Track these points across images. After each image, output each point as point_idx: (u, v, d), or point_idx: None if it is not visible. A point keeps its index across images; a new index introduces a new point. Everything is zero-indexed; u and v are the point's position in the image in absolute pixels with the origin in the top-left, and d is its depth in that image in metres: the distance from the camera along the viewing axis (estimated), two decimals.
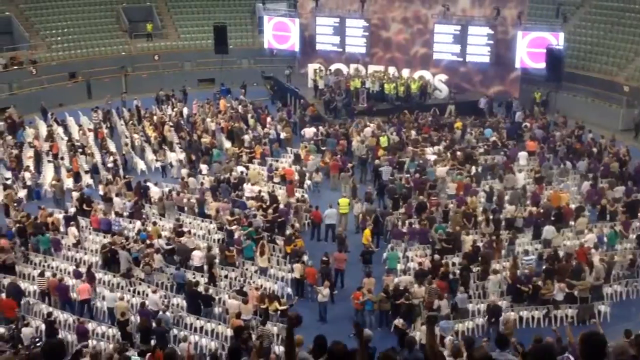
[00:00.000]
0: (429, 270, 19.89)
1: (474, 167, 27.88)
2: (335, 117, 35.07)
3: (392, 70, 37.93)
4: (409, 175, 26.94)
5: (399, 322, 17.56)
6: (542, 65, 34.97)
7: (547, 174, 27.32)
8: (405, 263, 21.49)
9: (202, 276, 20.51)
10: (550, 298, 18.81)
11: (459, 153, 29.10)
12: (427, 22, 37.43)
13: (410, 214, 24.11)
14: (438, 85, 37.32)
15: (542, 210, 23.56)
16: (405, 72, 37.55)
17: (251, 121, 34.07)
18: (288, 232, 22.74)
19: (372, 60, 38.65)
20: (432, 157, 28.87)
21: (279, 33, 40.14)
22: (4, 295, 18.90)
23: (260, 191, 25.85)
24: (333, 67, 38.74)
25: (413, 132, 31.93)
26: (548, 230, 22.12)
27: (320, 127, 32.74)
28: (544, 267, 20.16)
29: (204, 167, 28.94)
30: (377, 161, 28.36)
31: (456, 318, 18.21)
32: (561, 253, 20.83)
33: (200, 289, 19.38)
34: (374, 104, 35.62)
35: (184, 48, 43.17)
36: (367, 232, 22.21)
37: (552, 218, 23.09)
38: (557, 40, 34.83)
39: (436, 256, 20.52)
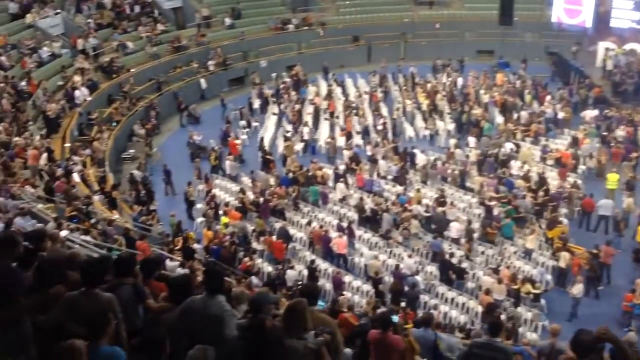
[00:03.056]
0: None
1: None
2: (623, 101, 32.04)
3: None
4: None
5: None
6: None
7: None
8: None
9: (458, 248, 20.25)
10: None
11: None
12: None
13: None
14: None
15: None
16: None
17: (527, 97, 32.52)
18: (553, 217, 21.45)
19: None
20: None
21: (571, 7, 37.54)
22: (274, 237, 20.48)
23: (529, 171, 24.68)
24: (627, 47, 35.28)
25: None
26: None
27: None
28: None
29: (471, 140, 28.38)
30: None
31: None
32: None
33: (455, 260, 19.17)
34: None
35: (466, 17, 42.39)
36: None
37: None
38: None
39: None
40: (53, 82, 28.63)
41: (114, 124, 28.48)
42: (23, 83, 26.32)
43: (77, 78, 28.74)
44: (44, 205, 17.90)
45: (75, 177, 21.03)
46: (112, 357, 4.75)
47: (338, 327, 6.43)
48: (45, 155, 21.58)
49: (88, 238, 15.29)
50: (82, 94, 28.16)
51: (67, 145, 24.58)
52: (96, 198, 20.40)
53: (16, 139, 21.70)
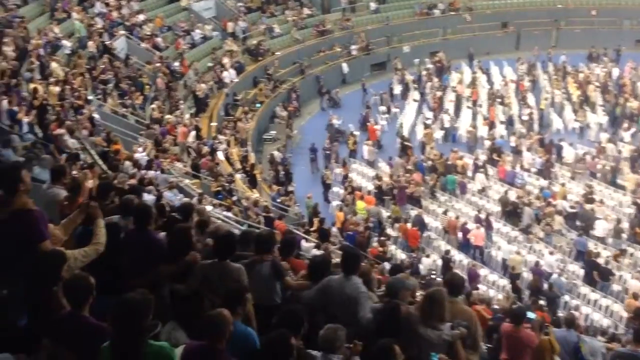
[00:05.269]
0: None
1: None
2: None
3: None
4: None
5: None
6: None
7: None
8: None
9: (605, 248, 19.12)
10: None
11: None
12: None
13: None
14: None
15: None
16: None
17: None
18: None
19: None
20: None
21: None
22: (409, 225, 20.26)
23: None
24: None
25: None
26: None
27: None
28: None
29: (626, 135, 26.63)
30: None
31: None
32: None
33: (601, 261, 18.10)
34: None
35: (625, 4, 39.66)
36: None
37: None
38: None
39: None
40: (203, 63, 29.89)
41: (258, 105, 29.31)
42: (176, 63, 27.68)
43: (225, 60, 29.82)
44: (190, 181, 18.76)
45: (220, 155, 21.87)
46: (245, 337, 4.80)
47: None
48: (193, 133, 22.60)
49: (229, 214, 15.84)
50: (229, 75, 29.19)
51: (214, 124, 25.61)
52: (238, 176, 21.10)
53: (168, 116, 22.88)
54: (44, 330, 4.30)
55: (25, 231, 4.74)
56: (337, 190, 23.31)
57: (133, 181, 13.77)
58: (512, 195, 21.69)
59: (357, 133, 27.35)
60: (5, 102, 15.10)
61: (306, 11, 36.63)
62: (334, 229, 19.53)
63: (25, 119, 15.23)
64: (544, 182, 23.19)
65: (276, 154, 25.30)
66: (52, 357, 4.21)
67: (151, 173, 16.29)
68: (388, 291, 6.03)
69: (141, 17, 29.15)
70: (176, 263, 5.79)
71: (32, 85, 17.38)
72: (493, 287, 17.67)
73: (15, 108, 15.27)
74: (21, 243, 4.69)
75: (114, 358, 3.92)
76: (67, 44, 23.20)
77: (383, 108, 30.83)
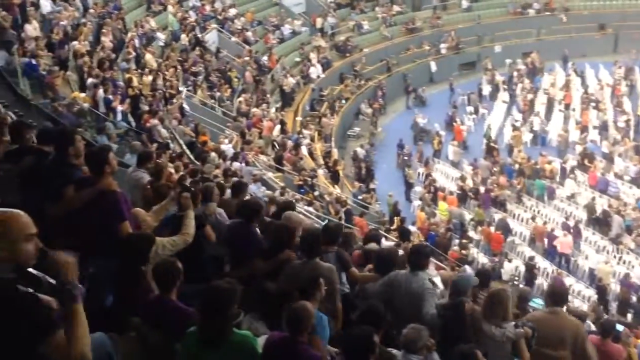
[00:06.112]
0: None
1: None
2: None
3: None
4: None
5: None
6: None
7: None
8: None
9: None
10: None
11: None
12: None
13: None
14: None
15: None
16: None
17: None
18: None
19: None
20: None
21: None
22: (493, 228, 19.84)
23: None
24: None
25: None
26: None
27: None
28: None
29: None
30: None
31: None
32: None
33: None
34: None
35: None
36: None
37: None
38: None
39: None
40: (291, 58, 30.14)
41: (343, 101, 29.32)
42: (265, 58, 28.02)
43: (312, 55, 29.97)
44: (273, 174, 18.96)
45: (303, 150, 22.00)
46: (319, 322, 4.78)
47: None
48: (278, 127, 22.84)
49: (310, 209, 15.93)
50: (316, 71, 29.31)
51: (299, 119, 25.81)
52: (320, 172, 21.17)
53: (254, 109, 23.20)
54: (132, 311, 4.42)
55: (107, 211, 4.94)
56: (419, 189, 23.06)
57: (218, 171, 14.07)
58: (604, 203, 20.90)
59: (442, 133, 26.96)
60: (101, 91, 15.71)
61: (396, 8, 36.32)
62: (414, 229, 19.35)
63: (120, 108, 15.80)
64: (638, 192, 22.20)
65: (359, 150, 25.26)
66: (141, 336, 4.33)
67: (236, 165, 16.56)
68: (453, 289, 6.00)
69: (233, 11, 29.69)
70: (271, 260, 5.88)
71: (127, 75, 17.98)
72: (578, 297, 17.07)
73: (111, 96, 15.87)
74: (103, 222, 4.90)
75: (199, 343, 3.99)
76: (161, 36, 23.88)
77: (470, 108, 30.23)
